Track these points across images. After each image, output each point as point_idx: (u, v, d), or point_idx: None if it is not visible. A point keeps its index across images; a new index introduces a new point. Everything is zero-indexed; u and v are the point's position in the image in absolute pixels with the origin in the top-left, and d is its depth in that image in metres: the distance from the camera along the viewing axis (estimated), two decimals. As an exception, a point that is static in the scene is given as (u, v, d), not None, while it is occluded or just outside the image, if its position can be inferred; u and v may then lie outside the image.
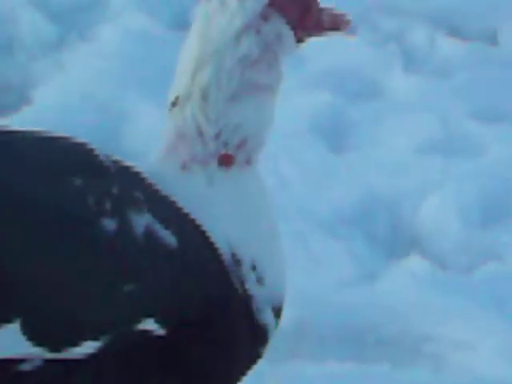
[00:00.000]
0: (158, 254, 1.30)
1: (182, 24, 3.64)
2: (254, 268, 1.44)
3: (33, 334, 1.14)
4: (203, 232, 1.42)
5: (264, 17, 1.38)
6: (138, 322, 1.24)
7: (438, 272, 2.60)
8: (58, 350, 1.19)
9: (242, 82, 1.42)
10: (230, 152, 1.52)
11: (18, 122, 2.79)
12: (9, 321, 1.12)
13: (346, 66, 3.44)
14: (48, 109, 3.13)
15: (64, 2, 3.70)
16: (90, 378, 1.22)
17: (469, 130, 3.05)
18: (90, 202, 1.39)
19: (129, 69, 2.81)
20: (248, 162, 1.68)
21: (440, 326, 2.43)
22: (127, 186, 1.61)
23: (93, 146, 1.71)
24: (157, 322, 1.25)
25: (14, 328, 1.11)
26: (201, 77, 1.46)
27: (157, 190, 1.39)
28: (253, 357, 1.55)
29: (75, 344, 1.18)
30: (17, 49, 3.48)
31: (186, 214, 1.40)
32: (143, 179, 1.40)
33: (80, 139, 1.73)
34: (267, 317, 1.42)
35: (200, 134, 1.52)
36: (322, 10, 1.48)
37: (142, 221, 1.34)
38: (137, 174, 1.40)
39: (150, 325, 1.23)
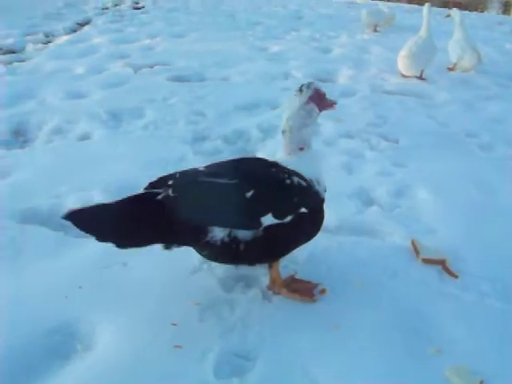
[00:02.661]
0: (301, 188, 2.20)
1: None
2: (318, 182, 2.29)
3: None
4: (303, 176, 2.23)
5: (307, 103, 2.29)
6: (300, 208, 2.18)
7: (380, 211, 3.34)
8: (282, 219, 2.14)
9: (301, 123, 2.28)
10: (302, 145, 2.32)
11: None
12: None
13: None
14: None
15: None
16: (292, 230, 2.18)
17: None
18: (280, 175, 2.19)
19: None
20: (309, 147, 2.33)
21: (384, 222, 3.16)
22: (284, 167, 2.24)
23: (264, 156, 2.52)
24: (305, 208, 2.18)
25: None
26: (288, 123, 2.29)
27: (287, 168, 2.25)
28: (323, 210, 2.35)
29: (285, 217, 2.14)
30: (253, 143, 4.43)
31: (298, 173, 2.23)
32: (282, 165, 2.27)
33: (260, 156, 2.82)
34: (323, 195, 2.33)
35: (291, 142, 2.30)
36: (329, 103, 2.41)
37: (295, 178, 2.18)
38: (279, 164, 2.28)
39: (303, 209, 2.18)
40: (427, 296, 2.58)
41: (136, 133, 4.52)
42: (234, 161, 2.38)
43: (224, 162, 2.36)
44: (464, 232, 3.14)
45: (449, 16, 7.16)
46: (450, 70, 7.19)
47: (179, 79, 6.12)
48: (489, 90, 6.43)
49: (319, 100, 2.35)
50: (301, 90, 2.31)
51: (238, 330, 2.27)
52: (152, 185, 2.16)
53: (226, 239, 2.11)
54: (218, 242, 2.10)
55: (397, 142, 4.66)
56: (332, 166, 3.93)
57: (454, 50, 6.95)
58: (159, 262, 2.61)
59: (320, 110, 2.36)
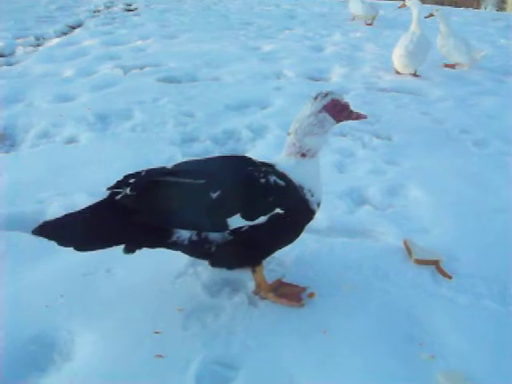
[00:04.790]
0: (278, 187, 2.12)
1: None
2: (310, 191, 2.20)
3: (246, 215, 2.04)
4: (291, 180, 2.17)
5: (320, 111, 2.20)
6: (275, 209, 2.09)
7: (372, 210, 3.29)
8: (253, 220, 2.06)
9: (309, 130, 2.20)
10: (304, 151, 2.23)
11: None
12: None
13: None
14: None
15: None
16: (266, 232, 2.10)
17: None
18: (255, 174, 2.11)
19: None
20: (313, 155, 2.24)
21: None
22: (264, 166, 2.17)
23: (248, 155, 2.34)
24: (281, 209, 2.10)
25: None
26: (296, 126, 2.22)
27: (272, 166, 2.20)
28: (309, 220, 2.28)
29: (256, 218, 2.07)
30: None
31: (285, 174, 2.16)
32: (266, 163, 2.22)
33: (241, 155, 2.51)
34: (315, 207, 2.25)
35: (294, 145, 2.23)
36: (351, 111, 2.26)
37: (272, 177, 2.11)
38: (265, 162, 2.23)
39: (278, 210, 2.10)
40: (420, 298, 2.49)
41: (124, 135, 4.44)
42: (209, 159, 2.32)
43: (198, 161, 2.30)
44: (458, 231, 3.06)
45: (431, 16, 7.05)
46: (449, 66, 7.17)
47: (169, 80, 6.05)
48: (483, 85, 6.41)
49: (338, 111, 2.24)
50: (316, 97, 2.22)
51: (222, 338, 2.19)
52: (118, 183, 2.11)
53: (195, 238, 2.05)
54: (186, 241, 2.06)
55: (390, 139, 4.61)
56: (323, 165, 3.61)
57: (460, 51, 6.87)
58: (143, 267, 2.54)
59: (338, 121, 2.26)
